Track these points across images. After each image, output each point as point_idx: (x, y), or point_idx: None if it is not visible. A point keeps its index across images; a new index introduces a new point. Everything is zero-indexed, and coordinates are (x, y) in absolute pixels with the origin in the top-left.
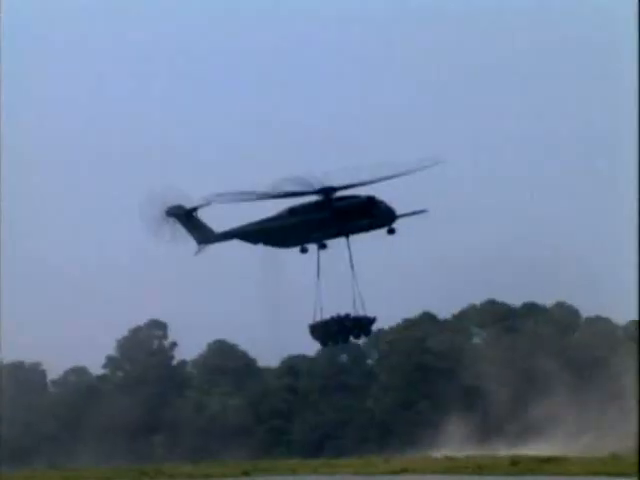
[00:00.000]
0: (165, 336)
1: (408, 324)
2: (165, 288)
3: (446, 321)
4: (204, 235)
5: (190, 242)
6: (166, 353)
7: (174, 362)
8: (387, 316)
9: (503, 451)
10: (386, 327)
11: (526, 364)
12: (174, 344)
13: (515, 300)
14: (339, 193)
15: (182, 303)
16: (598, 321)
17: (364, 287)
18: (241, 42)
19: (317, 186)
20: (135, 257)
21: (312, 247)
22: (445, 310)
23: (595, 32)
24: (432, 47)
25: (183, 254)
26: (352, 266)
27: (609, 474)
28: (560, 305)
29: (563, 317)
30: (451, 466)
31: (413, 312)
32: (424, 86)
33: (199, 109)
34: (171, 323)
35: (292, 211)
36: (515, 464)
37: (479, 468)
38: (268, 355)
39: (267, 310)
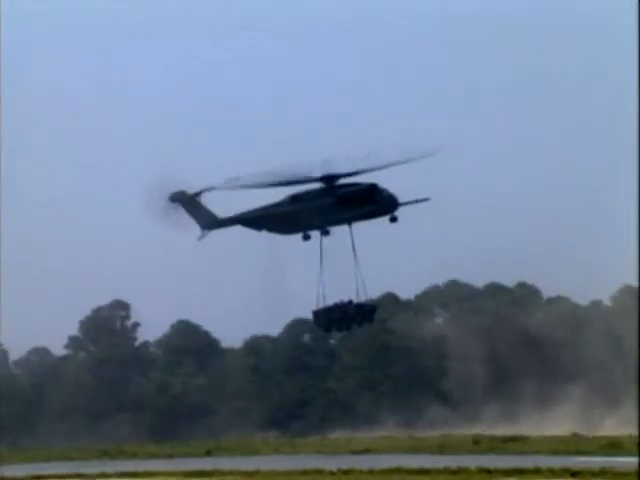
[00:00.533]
0: (128, 316)
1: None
2: (128, 268)
3: (409, 302)
4: (207, 220)
5: (176, 228)
6: (129, 334)
7: (137, 343)
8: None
9: (466, 430)
10: None
11: (488, 344)
12: (137, 324)
13: (478, 280)
14: (342, 181)
15: (145, 284)
16: (559, 301)
17: (335, 271)
18: (239, 22)
19: (320, 173)
20: (101, 238)
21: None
22: (408, 291)
23: (595, 32)
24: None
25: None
26: (355, 254)
27: (570, 453)
28: (522, 285)
29: (524, 297)
30: (414, 445)
31: (375, 293)
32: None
33: (201, 95)
34: (134, 303)
35: (295, 198)
36: (477, 443)
37: (442, 447)
38: (231, 336)
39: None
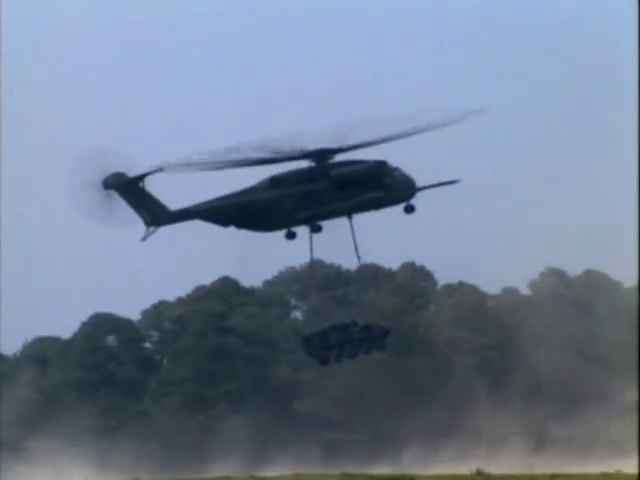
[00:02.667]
0: None
1: (202, 293)
2: None
3: (255, 290)
4: (155, 214)
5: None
6: None
7: None
8: (179, 285)
9: (332, 469)
10: (171, 298)
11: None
12: None
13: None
14: (338, 157)
15: None
16: (461, 288)
17: None
18: None
19: (308, 148)
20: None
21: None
22: (253, 276)
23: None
24: None
25: None
26: (358, 255)
27: None
28: (408, 266)
29: (412, 283)
30: None
31: (209, 278)
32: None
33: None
34: None
35: (275, 181)
36: None
37: None
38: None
39: None
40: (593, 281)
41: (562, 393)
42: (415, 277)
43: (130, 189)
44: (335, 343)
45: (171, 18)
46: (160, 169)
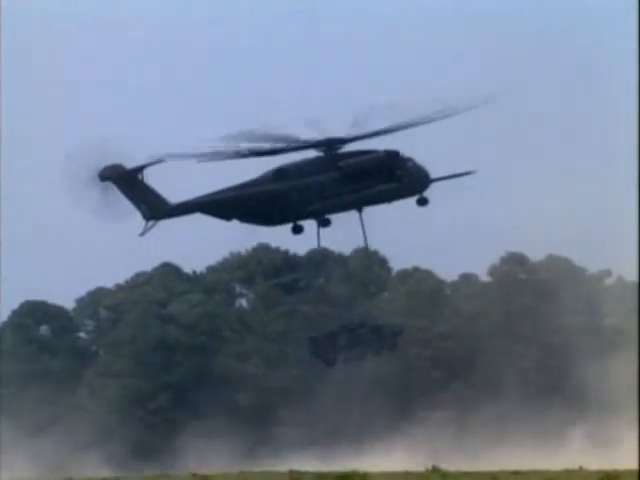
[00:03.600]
0: None
1: (142, 280)
2: None
3: (197, 276)
4: (154, 207)
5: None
6: None
7: None
8: (117, 271)
9: (280, 465)
10: (108, 285)
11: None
12: None
13: (301, 247)
14: (348, 147)
15: None
16: (416, 274)
17: None
18: None
19: (316, 137)
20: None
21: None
22: (198, 261)
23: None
24: None
25: None
26: (368, 250)
27: None
28: (360, 252)
29: (365, 269)
30: None
31: (149, 264)
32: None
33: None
34: None
35: (280, 172)
36: None
37: None
38: None
39: None
40: (556, 267)
41: (523, 385)
42: (369, 263)
43: (128, 181)
44: (343, 344)
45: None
46: (160, 160)
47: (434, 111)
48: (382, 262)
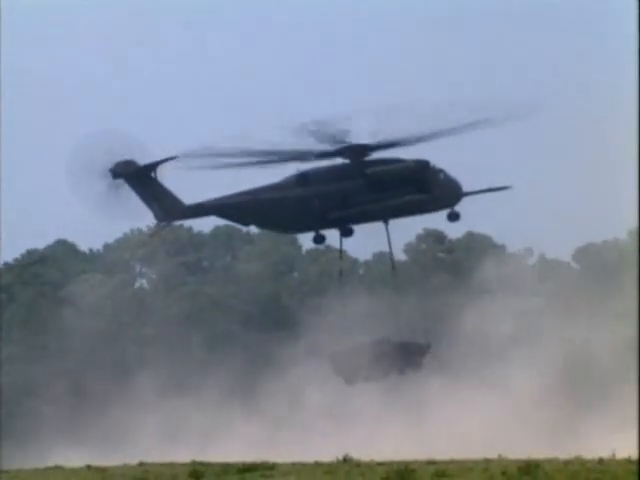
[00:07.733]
0: None
1: (34, 259)
2: None
3: (94, 254)
4: (167, 207)
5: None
6: None
7: None
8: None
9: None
10: None
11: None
12: None
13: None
14: (375, 155)
15: None
16: (328, 253)
17: None
18: None
19: (341, 142)
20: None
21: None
22: (96, 238)
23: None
24: None
25: None
26: (393, 264)
27: None
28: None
29: (273, 247)
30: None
31: (42, 241)
32: None
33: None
34: None
35: (303, 178)
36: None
37: None
38: None
39: None
40: (475, 245)
41: (438, 370)
42: (277, 241)
43: (141, 179)
44: (365, 362)
45: None
46: (174, 157)
47: (471, 121)
48: (292, 240)
